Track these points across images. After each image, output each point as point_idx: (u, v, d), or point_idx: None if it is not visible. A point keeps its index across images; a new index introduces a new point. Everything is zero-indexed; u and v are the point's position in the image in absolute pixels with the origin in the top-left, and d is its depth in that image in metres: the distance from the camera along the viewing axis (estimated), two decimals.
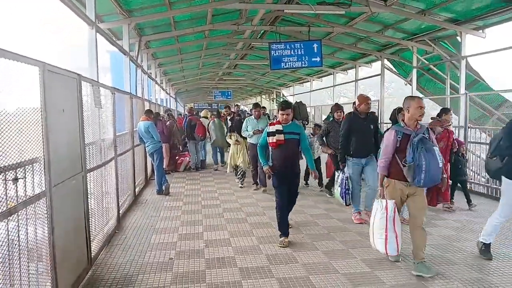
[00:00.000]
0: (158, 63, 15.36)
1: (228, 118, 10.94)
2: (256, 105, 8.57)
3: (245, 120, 8.46)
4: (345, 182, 5.94)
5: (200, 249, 4.93)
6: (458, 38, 9.46)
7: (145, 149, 9.03)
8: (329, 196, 7.73)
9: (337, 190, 6.25)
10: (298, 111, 8.70)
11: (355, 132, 5.85)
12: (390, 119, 6.08)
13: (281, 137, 5.05)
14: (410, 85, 11.98)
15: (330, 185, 7.73)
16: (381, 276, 4.09)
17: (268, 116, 11.49)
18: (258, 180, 8.59)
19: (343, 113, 7.26)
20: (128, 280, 4.01)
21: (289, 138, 5.10)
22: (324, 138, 7.39)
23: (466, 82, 9.63)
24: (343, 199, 6.02)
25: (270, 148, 5.21)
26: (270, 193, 7.80)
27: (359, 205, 6.13)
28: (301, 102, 8.96)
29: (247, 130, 8.20)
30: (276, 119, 5.82)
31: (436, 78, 12.15)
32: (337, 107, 7.45)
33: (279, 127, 5.12)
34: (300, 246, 5.03)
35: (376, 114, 9.36)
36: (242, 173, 9.04)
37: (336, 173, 6.32)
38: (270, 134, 5.11)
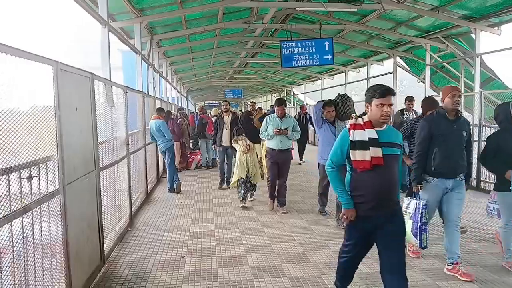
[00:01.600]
0: (170, 62, 15.42)
1: (225, 117, 8.69)
2: (280, 102, 6.62)
3: (264, 119, 6.68)
4: (422, 213, 4.02)
5: (212, 247, 4.93)
6: (473, 35, 9.30)
7: (156, 147, 9.09)
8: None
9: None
10: (342, 108, 5.91)
11: (439, 139, 3.96)
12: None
13: (378, 152, 2.92)
14: (423, 83, 11.83)
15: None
16: None
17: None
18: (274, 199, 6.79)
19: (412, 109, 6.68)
20: (141, 278, 4.03)
21: (389, 154, 2.96)
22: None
23: (480, 80, 9.48)
24: (416, 237, 4.06)
25: (350, 170, 3.11)
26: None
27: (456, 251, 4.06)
28: (346, 95, 6.08)
29: (266, 131, 6.51)
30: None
31: (449, 76, 11.96)
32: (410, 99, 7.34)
33: (373, 133, 2.96)
34: (312, 245, 5.00)
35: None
36: (249, 187, 7.10)
37: (405, 199, 4.28)
38: (357, 145, 2.96)
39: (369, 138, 2.94)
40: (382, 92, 2.91)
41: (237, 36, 13.22)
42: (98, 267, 4.11)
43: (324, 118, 5.93)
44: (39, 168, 2.99)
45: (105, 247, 4.38)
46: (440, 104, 4.15)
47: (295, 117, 12.09)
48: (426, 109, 5.11)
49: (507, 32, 8.95)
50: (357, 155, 2.94)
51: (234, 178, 7.07)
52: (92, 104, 4.05)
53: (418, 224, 4.03)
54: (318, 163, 6.13)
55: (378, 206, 2.96)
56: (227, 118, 8.57)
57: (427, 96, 5.19)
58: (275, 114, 6.59)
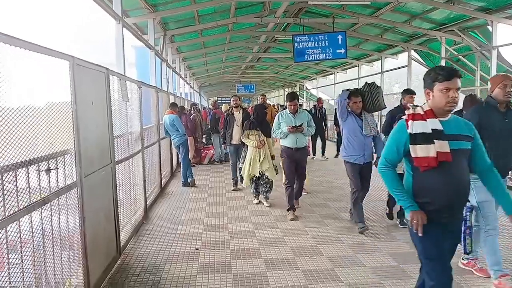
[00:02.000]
0: (182, 57, 15.49)
1: (235, 113, 7.98)
2: (292, 96, 6.06)
3: (276, 116, 6.21)
4: (466, 216, 3.60)
5: (225, 240, 4.98)
6: (489, 27, 9.13)
7: (170, 142, 9.17)
8: (402, 226, 5.39)
9: None
10: (370, 98, 5.33)
11: (488, 133, 3.40)
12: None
13: (444, 146, 2.48)
14: None
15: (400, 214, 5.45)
16: (408, 270, 4.03)
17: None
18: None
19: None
20: (156, 269, 4.10)
21: (458, 148, 2.52)
22: None
23: (497, 72, 9.31)
24: (460, 242, 3.51)
25: (410, 171, 2.63)
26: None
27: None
28: (374, 84, 5.43)
29: (279, 129, 6.00)
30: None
31: (465, 70, 11.77)
32: None
33: (436, 123, 2.53)
34: (325, 239, 5.01)
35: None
36: (267, 185, 6.70)
37: None
38: (418, 139, 2.53)
39: (432, 129, 2.49)
40: (447, 74, 2.46)
41: (249, 31, 13.22)
42: (115, 258, 4.19)
43: (349, 109, 5.32)
44: (57, 161, 3.07)
45: (121, 239, 4.46)
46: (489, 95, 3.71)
47: (310, 110, 11.79)
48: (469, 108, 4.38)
49: None
50: (419, 151, 2.49)
51: (246, 176, 6.64)
52: (107, 98, 4.11)
53: (463, 228, 3.54)
54: (345, 161, 5.38)
55: (449, 212, 2.51)
56: (238, 115, 7.89)
57: (471, 94, 4.64)
58: (287, 110, 6.09)
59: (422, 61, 13.31)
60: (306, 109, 7.62)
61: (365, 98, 5.32)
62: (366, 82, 5.49)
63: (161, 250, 4.66)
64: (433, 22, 10.50)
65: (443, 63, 11.32)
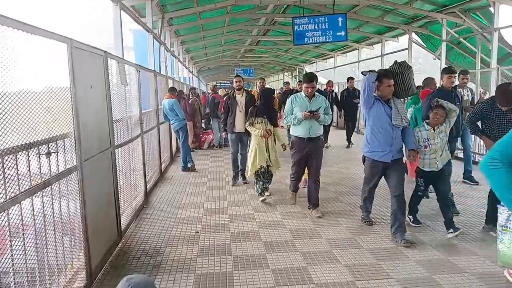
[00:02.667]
0: (181, 41, 15.36)
1: (238, 96, 6.97)
2: (310, 77, 5.26)
3: (288, 100, 5.41)
4: None
5: (225, 223, 5.04)
6: (491, 9, 9.04)
7: (170, 127, 9.17)
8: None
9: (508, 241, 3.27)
10: (401, 80, 4.44)
11: None
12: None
13: None
14: (439, 59, 11.62)
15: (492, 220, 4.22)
16: (406, 251, 4.09)
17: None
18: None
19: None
20: (157, 252, 4.15)
21: None
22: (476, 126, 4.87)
23: (498, 56, 9.26)
24: None
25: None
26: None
27: None
28: (405, 63, 4.53)
29: (291, 114, 5.25)
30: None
31: (466, 52, 11.72)
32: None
33: None
34: (324, 222, 5.06)
35: None
36: (267, 177, 6.07)
37: (502, 209, 3.33)
38: None
39: None
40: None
41: (248, 13, 13.08)
42: (116, 241, 4.24)
43: (376, 95, 4.44)
44: (57, 145, 3.08)
45: (122, 223, 4.50)
46: None
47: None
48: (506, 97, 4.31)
49: None
50: None
51: (251, 168, 5.99)
52: (106, 82, 4.10)
53: None
54: (364, 157, 4.74)
55: None
56: (241, 98, 6.85)
57: (506, 83, 4.40)
58: (301, 93, 5.33)
59: (423, 43, 13.23)
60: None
61: (396, 80, 4.42)
62: (396, 61, 4.61)
63: (162, 234, 4.71)
64: (434, 3, 10.39)
65: (443, 45, 11.24)
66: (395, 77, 4.42)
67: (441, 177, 4.63)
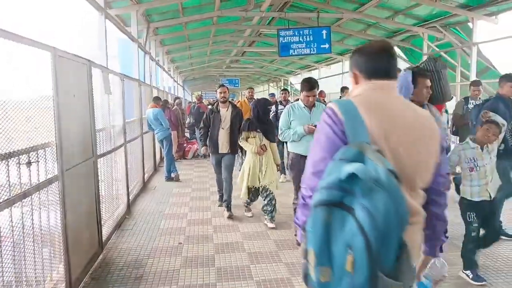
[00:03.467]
0: (166, 50, 15.33)
1: (222, 109, 5.85)
2: (311, 84, 4.47)
3: (284, 111, 4.67)
4: None
5: (209, 234, 4.99)
6: (470, 24, 9.31)
7: (153, 136, 9.10)
8: None
9: None
10: (438, 81, 3.53)
11: None
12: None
13: None
14: None
15: None
16: None
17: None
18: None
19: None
20: (139, 264, 4.09)
21: None
22: None
23: (477, 69, 9.51)
24: None
25: None
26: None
27: None
28: (441, 60, 3.72)
29: (289, 129, 4.52)
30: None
31: None
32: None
33: None
34: None
35: None
36: (271, 202, 5.31)
37: None
38: None
39: None
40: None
41: (234, 25, 13.16)
42: (97, 253, 4.16)
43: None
44: (38, 155, 3.02)
45: (103, 233, 4.42)
46: None
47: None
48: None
49: (504, 21, 8.95)
50: None
51: (243, 188, 5.41)
52: (89, 91, 4.07)
53: None
54: None
55: None
56: (226, 112, 5.75)
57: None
58: (299, 103, 4.59)
59: (404, 57, 13.49)
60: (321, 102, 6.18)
61: (431, 81, 3.36)
62: (429, 56, 3.92)
63: (144, 245, 4.64)
64: (416, 18, 10.65)
65: (424, 58, 11.46)
66: (433, 75, 3.49)
67: (492, 209, 3.66)
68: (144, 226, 5.37)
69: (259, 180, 5.30)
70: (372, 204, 1.23)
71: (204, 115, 6.07)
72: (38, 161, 3.01)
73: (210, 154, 5.98)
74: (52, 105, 3.11)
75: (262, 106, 5.52)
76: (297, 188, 4.28)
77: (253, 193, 5.51)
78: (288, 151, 4.71)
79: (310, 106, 4.50)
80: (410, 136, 1.50)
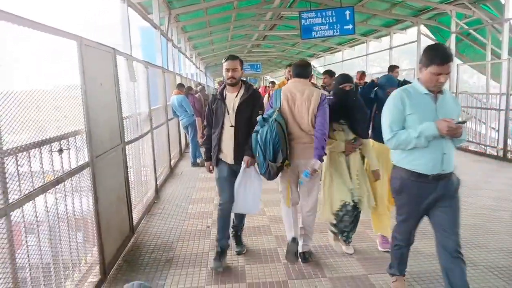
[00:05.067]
0: (188, 37, 15.38)
1: (229, 94, 3.71)
2: (442, 56, 2.50)
3: (392, 99, 2.73)
4: None
5: None
6: None
7: (178, 123, 9.20)
8: None
9: None
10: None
11: None
12: None
13: None
14: None
15: None
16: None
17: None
18: None
19: None
20: (169, 247, 4.18)
21: None
22: None
23: (509, 46, 9.13)
24: None
25: None
26: None
27: None
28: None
29: (402, 129, 2.70)
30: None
31: (476, 44, 11.57)
32: None
33: None
34: None
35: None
36: (352, 219, 3.64)
37: None
38: None
39: None
40: None
41: (255, 8, 13.04)
42: (128, 237, 4.27)
43: None
44: (69, 142, 3.10)
45: (133, 218, 4.53)
46: None
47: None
48: None
49: None
50: None
51: (328, 208, 3.64)
52: (115, 79, 4.12)
53: None
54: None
55: None
56: (234, 99, 3.64)
57: None
58: (415, 85, 2.72)
59: (432, 36, 13.09)
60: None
61: None
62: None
63: (173, 228, 4.74)
64: None
65: (453, 37, 11.09)
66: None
67: None
68: (173, 210, 5.47)
69: (351, 193, 3.57)
70: (261, 130, 3.35)
71: (206, 107, 3.96)
72: (69, 149, 3.09)
73: (213, 164, 3.82)
74: (80, 94, 3.17)
75: (344, 86, 3.81)
76: (402, 222, 2.88)
77: (347, 214, 3.59)
78: (393, 165, 2.87)
79: (436, 91, 2.65)
80: (299, 101, 3.47)
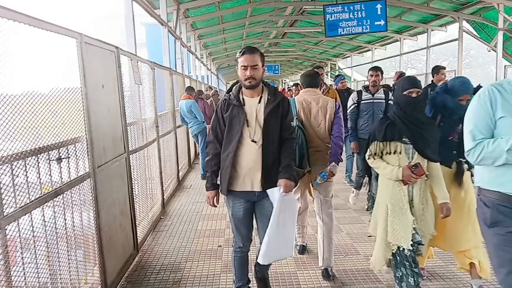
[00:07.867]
0: (198, 35, 15.58)
1: (247, 99, 3.14)
2: None
3: (478, 99, 2.30)
4: None
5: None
6: None
7: (187, 131, 9.29)
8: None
9: None
10: None
11: None
12: None
13: None
14: (495, 51, 11.35)
15: None
16: None
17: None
18: None
19: None
20: (176, 267, 4.24)
21: None
22: None
23: None
24: None
25: None
26: None
27: None
28: None
29: (492, 139, 2.23)
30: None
31: None
32: None
33: None
34: (344, 220, 5.03)
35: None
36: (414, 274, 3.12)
37: None
38: None
39: None
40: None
41: (273, 2, 13.13)
42: (132, 255, 4.35)
43: None
44: (68, 150, 3.19)
45: (138, 235, 4.61)
46: None
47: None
48: None
49: None
50: None
51: (382, 250, 3.26)
52: (118, 81, 4.21)
53: None
54: None
55: None
56: (258, 106, 3.13)
57: None
58: (511, 81, 2.29)
59: (475, 33, 12.97)
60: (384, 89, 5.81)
61: None
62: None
63: (181, 247, 4.80)
64: None
65: (500, 35, 10.98)
66: None
67: None
68: (181, 227, 5.54)
69: (415, 231, 3.11)
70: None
71: (214, 115, 3.36)
72: (68, 157, 3.18)
73: (226, 198, 3.46)
74: (80, 98, 3.25)
75: (408, 94, 3.15)
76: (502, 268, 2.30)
77: (410, 259, 3.13)
78: (479, 188, 2.44)
79: None
80: (315, 109, 3.94)
